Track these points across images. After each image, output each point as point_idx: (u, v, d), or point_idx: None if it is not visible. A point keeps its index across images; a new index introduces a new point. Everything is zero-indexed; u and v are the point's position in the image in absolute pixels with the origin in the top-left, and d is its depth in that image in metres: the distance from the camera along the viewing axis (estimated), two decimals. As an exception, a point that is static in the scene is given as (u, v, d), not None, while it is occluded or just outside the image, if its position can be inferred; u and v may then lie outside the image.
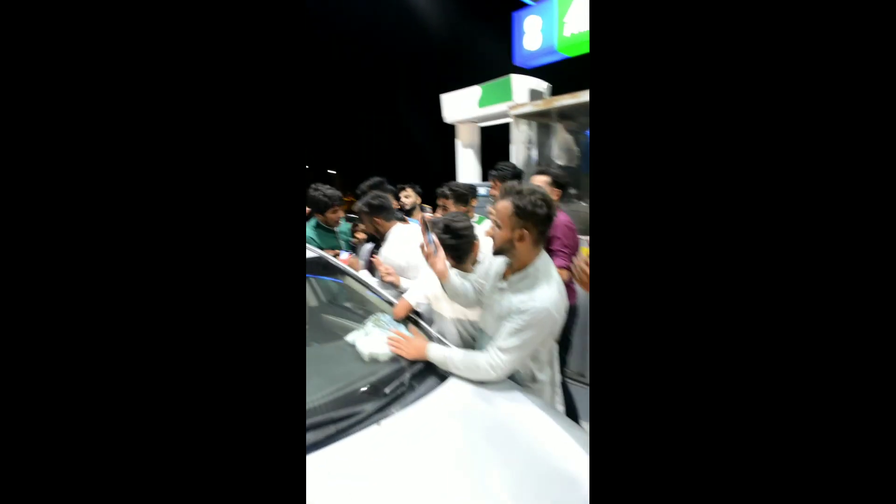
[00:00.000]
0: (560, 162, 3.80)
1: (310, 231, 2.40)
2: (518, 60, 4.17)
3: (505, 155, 4.11)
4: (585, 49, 3.63)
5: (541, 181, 2.34)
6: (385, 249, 2.09)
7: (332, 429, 0.99)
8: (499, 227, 1.26)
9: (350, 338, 1.44)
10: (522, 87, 3.89)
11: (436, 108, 4.76)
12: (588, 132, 3.09)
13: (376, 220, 2.14)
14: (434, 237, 1.46)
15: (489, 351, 1.25)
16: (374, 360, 1.34)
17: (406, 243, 2.00)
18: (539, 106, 3.15)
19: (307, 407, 1.04)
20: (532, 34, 3.98)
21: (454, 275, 1.50)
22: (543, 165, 3.00)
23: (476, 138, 4.81)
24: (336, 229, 2.49)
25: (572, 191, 3.16)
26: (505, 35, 4.25)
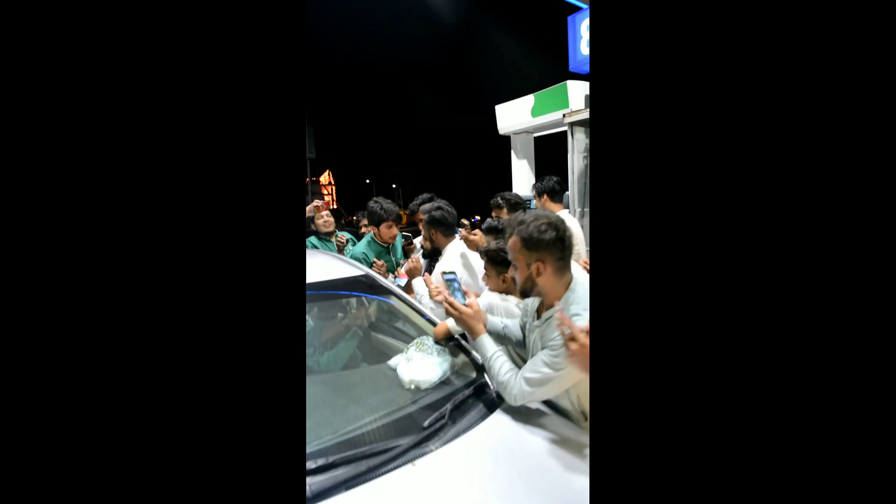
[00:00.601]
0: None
1: (363, 246, 2.32)
2: (574, 66, 4.01)
3: (561, 165, 3.95)
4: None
5: None
6: (440, 265, 2.02)
7: (362, 465, 0.91)
8: (516, 267, 1.15)
9: (393, 362, 1.36)
10: (579, 94, 3.73)
11: (492, 120, 4.69)
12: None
13: (434, 232, 2.07)
14: (458, 281, 1.35)
15: (518, 376, 1.14)
16: (415, 388, 1.26)
17: (464, 260, 1.92)
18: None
19: (341, 439, 0.97)
20: (588, 38, 3.82)
21: (497, 321, 1.40)
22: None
23: (530, 149, 4.68)
24: (391, 245, 2.39)
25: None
26: (557, 42, 4.12)
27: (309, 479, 0.84)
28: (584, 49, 3.88)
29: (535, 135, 4.59)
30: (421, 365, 1.32)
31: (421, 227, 2.14)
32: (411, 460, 0.95)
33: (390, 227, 2.28)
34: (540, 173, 4.64)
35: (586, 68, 3.95)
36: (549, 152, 4.75)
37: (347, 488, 0.86)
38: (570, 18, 3.95)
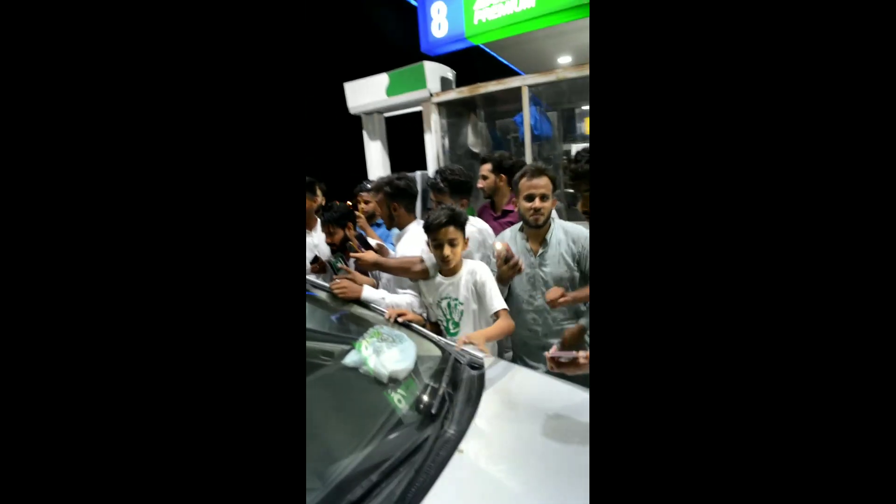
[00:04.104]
0: (475, 149, 3.83)
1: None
2: (425, 48, 4.07)
3: (416, 146, 4.02)
4: (495, 37, 3.67)
5: (485, 169, 2.32)
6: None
7: (411, 474, 0.84)
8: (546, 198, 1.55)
9: (350, 360, 1.26)
10: (434, 75, 3.81)
11: (338, 97, 4.46)
12: (519, 117, 3.13)
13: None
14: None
15: None
16: (393, 380, 1.20)
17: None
18: (463, 93, 3.11)
19: (357, 468, 0.85)
20: (439, 21, 3.91)
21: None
22: (472, 154, 2.98)
23: (383, 129, 4.63)
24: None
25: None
26: (403, 21, 4.13)
27: None
28: (436, 31, 3.97)
29: (387, 115, 4.54)
30: (392, 355, 1.26)
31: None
32: (453, 449, 0.92)
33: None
34: (393, 155, 4.64)
35: (438, 50, 4.05)
36: (400, 133, 4.77)
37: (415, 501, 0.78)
38: (420, 1, 3.99)
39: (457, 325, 1.61)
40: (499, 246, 1.60)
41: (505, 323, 1.49)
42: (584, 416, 1.11)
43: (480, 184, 2.33)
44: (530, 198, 1.60)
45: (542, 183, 1.59)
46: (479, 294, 1.57)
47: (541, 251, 1.65)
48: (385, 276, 1.93)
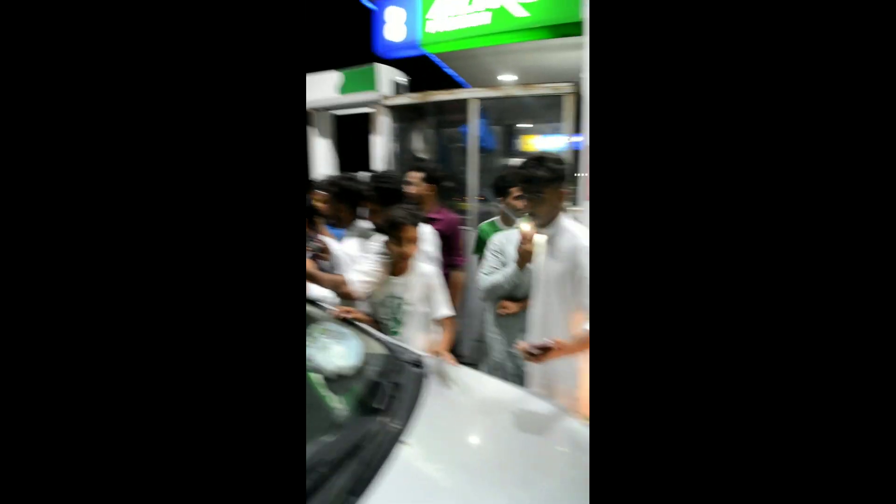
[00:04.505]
0: (422, 156, 3.92)
1: None
2: (379, 50, 4.10)
3: (363, 147, 4.04)
4: (448, 48, 3.77)
5: (415, 177, 2.35)
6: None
7: (357, 466, 0.89)
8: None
9: None
10: (386, 78, 3.85)
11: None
12: (465, 128, 3.25)
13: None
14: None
15: None
16: (340, 376, 1.24)
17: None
18: (416, 98, 3.18)
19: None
20: (394, 25, 3.95)
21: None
22: (416, 161, 3.04)
23: (331, 127, 4.58)
24: None
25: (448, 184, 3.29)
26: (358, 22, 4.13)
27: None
28: (389, 35, 4.01)
29: (336, 113, 4.51)
30: (339, 351, 1.31)
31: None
32: (396, 441, 0.98)
33: None
34: (342, 153, 4.61)
35: (391, 54, 4.10)
36: (346, 133, 4.74)
37: (356, 494, 0.83)
38: (378, 2, 4.01)
39: (400, 323, 1.67)
40: (526, 228, 1.58)
41: (451, 332, 1.58)
42: (520, 409, 1.25)
43: (409, 189, 2.34)
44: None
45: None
46: (428, 298, 1.64)
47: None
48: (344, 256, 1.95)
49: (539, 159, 1.42)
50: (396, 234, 1.61)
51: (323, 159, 4.56)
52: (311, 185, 2.84)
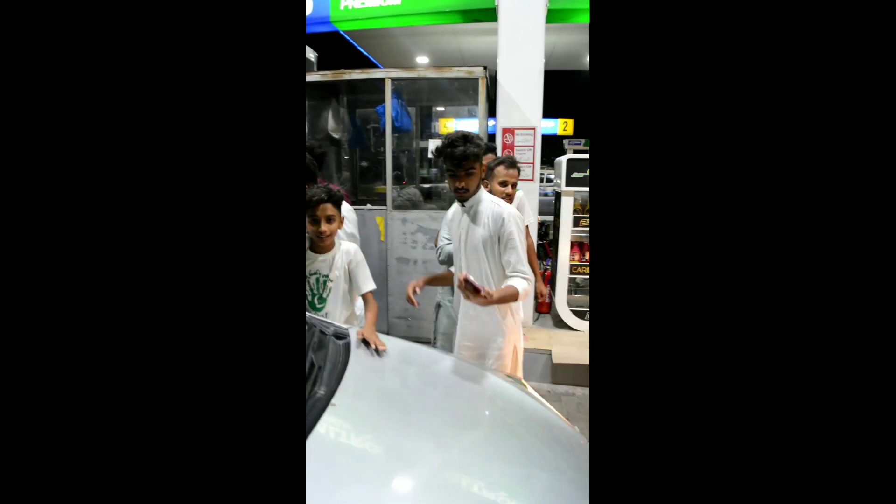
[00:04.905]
0: (335, 135, 3.84)
1: None
2: (285, 24, 3.91)
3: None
4: (360, 26, 3.71)
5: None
6: None
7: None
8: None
9: None
10: (294, 54, 3.70)
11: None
12: (381, 108, 3.22)
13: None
14: None
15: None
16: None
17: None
18: (327, 76, 3.10)
19: None
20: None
21: None
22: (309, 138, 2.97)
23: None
24: None
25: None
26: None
27: None
28: None
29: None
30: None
31: None
32: (326, 404, 1.00)
33: None
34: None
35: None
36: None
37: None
38: None
39: (323, 300, 1.66)
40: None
41: (375, 306, 1.61)
42: (436, 366, 1.36)
43: None
44: (504, 184, 1.94)
45: (515, 173, 1.96)
46: (351, 274, 1.65)
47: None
48: None
49: (465, 138, 1.56)
50: (313, 212, 1.60)
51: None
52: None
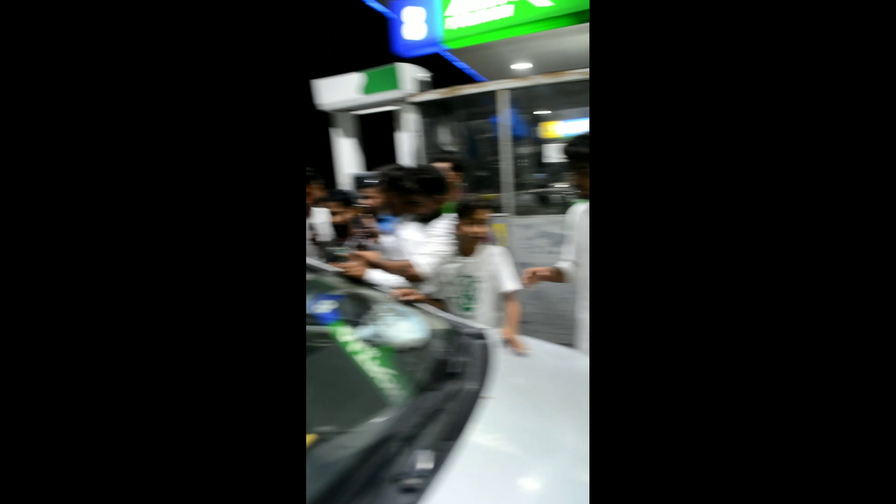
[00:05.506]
0: (450, 149, 3.98)
1: None
2: (399, 50, 4.18)
3: (387, 145, 4.11)
4: (469, 42, 3.84)
5: (443, 167, 2.45)
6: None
7: (449, 417, 0.95)
8: None
9: (366, 333, 1.35)
10: (409, 76, 3.93)
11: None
12: (494, 119, 3.29)
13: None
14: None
15: None
16: (410, 348, 1.30)
17: None
18: (443, 94, 3.24)
19: (401, 419, 0.95)
20: (412, 25, 4.03)
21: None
22: (441, 153, 3.10)
23: (354, 126, 4.68)
24: None
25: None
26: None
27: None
28: (408, 34, 4.09)
29: (357, 113, 4.60)
30: (406, 326, 1.37)
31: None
32: (479, 397, 1.03)
33: None
34: (368, 150, 4.70)
35: (411, 53, 4.17)
36: (368, 131, 4.83)
37: (451, 439, 0.88)
38: (395, 3, 4.10)
39: (472, 300, 1.75)
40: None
41: (516, 307, 1.65)
42: (579, 366, 1.34)
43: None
44: None
45: None
46: (496, 275, 1.73)
47: None
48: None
49: (584, 137, 1.53)
50: (469, 215, 1.70)
51: (349, 159, 4.66)
52: (359, 182, 2.90)
